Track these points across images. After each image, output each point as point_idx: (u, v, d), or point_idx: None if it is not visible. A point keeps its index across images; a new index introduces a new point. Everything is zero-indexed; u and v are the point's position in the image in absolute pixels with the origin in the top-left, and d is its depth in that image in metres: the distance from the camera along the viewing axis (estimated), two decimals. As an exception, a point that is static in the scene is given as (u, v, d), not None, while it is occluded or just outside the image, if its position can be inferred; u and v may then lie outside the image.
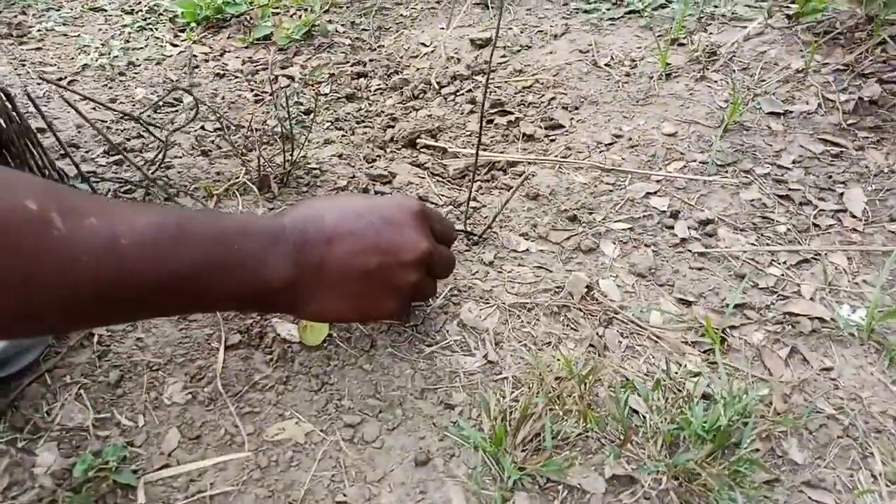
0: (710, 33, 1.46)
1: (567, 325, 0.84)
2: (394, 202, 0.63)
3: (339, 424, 0.72)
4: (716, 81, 1.31)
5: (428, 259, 0.63)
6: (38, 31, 1.69)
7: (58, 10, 1.80)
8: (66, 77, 1.47)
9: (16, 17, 1.73)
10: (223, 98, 1.39)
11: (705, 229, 0.99)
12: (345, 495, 0.65)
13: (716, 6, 1.55)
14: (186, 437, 0.69)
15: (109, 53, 1.58)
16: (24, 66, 1.52)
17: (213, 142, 1.19)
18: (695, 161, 1.11)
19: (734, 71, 1.33)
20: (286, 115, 0.97)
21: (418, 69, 1.51)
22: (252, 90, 1.44)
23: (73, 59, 1.57)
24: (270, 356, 0.78)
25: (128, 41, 1.65)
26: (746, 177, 1.08)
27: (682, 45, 1.45)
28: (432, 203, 1.06)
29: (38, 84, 1.44)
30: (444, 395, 0.76)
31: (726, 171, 1.09)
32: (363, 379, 0.76)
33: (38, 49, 1.61)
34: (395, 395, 0.75)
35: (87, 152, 1.14)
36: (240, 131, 1.20)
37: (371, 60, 1.56)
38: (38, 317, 0.44)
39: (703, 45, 1.39)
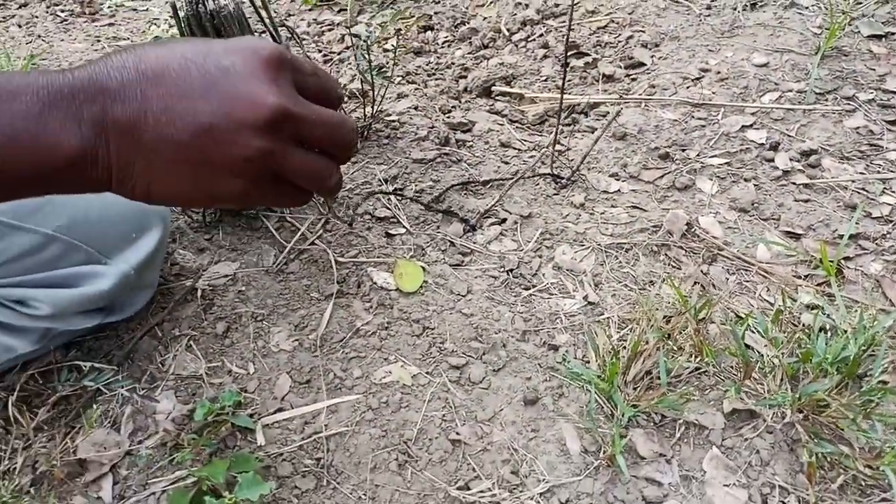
0: (797, -42, 1.37)
1: (668, 264, 0.81)
2: (239, 45, 0.44)
3: (444, 367, 0.71)
4: (807, 7, 1.23)
5: (282, 119, 0.43)
6: (109, 7, 1.72)
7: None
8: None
9: (87, -5, 1.77)
10: (293, 60, 1.39)
11: (808, 160, 0.93)
12: (458, 434, 0.65)
13: (801, -71, 1.45)
14: (297, 382, 0.70)
15: (179, 24, 1.60)
16: (98, 41, 1.55)
17: (289, 101, 1.19)
18: (791, 91, 1.05)
19: (826, -5, 1.24)
20: (367, 67, 0.95)
21: (485, 18, 1.47)
22: (320, 51, 1.44)
23: (144, 32, 1.60)
24: (369, 304, 0.78)
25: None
26: (849, 104, 1.02)
27: (766, -28, 1.36)
28: (514, 149, 1.03)
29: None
30: (546, 336, 0.74)
31: (826, 100, 1.03)
32: (463, 323, 0.76)
33: (111, 25, 1.64)
34: (496, 337, 0.74)
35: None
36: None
37: (436, 13, 1.53)
38: None
39: (790, -29, 1.30)
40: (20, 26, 1.60)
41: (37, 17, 1.65)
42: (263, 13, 0.85)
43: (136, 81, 0.41)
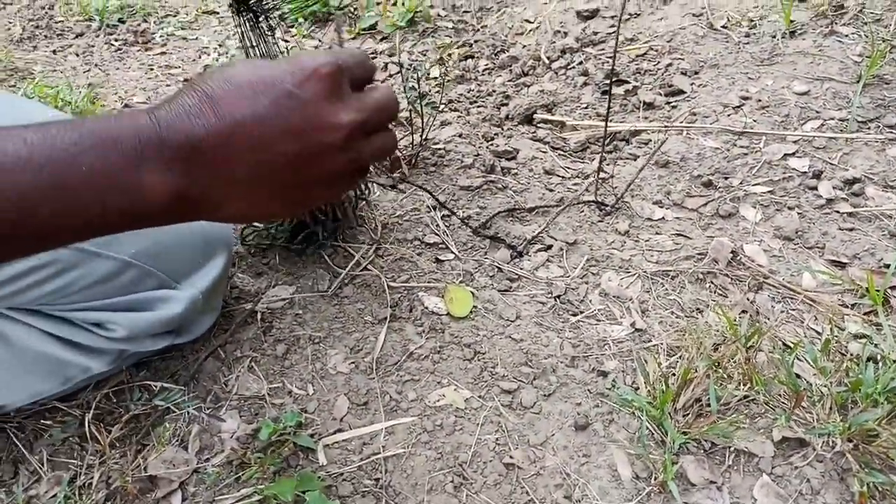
0: (836, -15, 1.38)
1: (715, 292, 0.83)
2: (296, 67, 0.46)
3: (496, 391, 0.73)
4: (847, 35, 1.24)
5: (357, 131, 0.48)
6: (161, 36, 1.79)
7: (175, 16, 1.91)
8: (191, 78, 1.56)
9: (139, 25, 1.84)
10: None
11: (852, 188, 0.94)
12: (511, 457, 0.67)
13: (839, -43, 1.46)
14: (355, 404, 0.73)
15: (227, 53, 1.66)
16: (151, 69, 1.62)
17: (337, 129, 1.23)
18: (833, 119, 1.06)
19: (866, 23, 1.25)
20: (415, 97, 0.99)
21: (525, 46, 1.51)
22: (364, 78, 1.48)
23: (194, 60, 1.66)
24: (421, 328, 0.81)
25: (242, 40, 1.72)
26: (892, 132, 1.02)
27: (804, 0, 1.38)
28: (558, 176, 1.06)
29: (168, 86, 1.54)
30: (595, 362, 0.76)
31: (868, 128, 1.04)
32: (513, 348, 0.78)
33: (163, 53, 1.71)
34: (546, 362, 0.76)
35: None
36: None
37: (476, 41, 1.56)
38: None
39: (829, -1, 1.31)
40: (78, 55, 1.68)
41: (93, 46, 1.73)
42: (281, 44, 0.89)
43: (217, 123, 0.44)
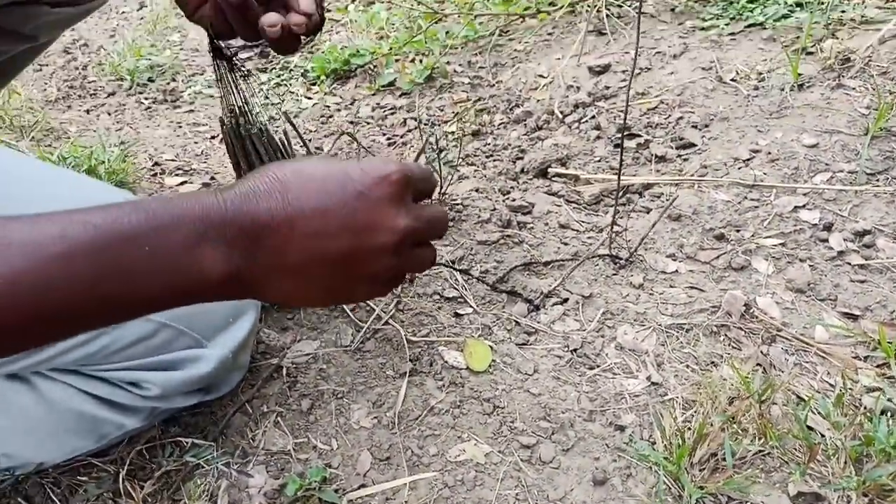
0: (841, 39, 1.42)
1: (729, 345, 0.85)
2: (369, 169, 0.49)
3: (515, 445, 0.75)
4: (854, 88, 1.27)
5: (410, 237, 0.50)
6: (188, 95, 1.87)
7: (202, 75, 1.99)
8: (217, 136, 1.62)
9: (168, 84, 1.92)
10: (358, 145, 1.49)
11: (863, 241, 0.96)
12: (531, 513, 0.68)
13: (843, 11, 1.50)
14: (377, 459, 0.75)
15: (252, 111, 1.72)
16: (180, 126, 1.69)
17: (358, 184, 1.28)
18: (842, 171, 1.08)
19: (873, 76, 1.28)
20: (435, 156, 1.03)
21: (539, 100, 1.56)
22: (384, 134, 1.54)
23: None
24: (441, 382, 0.83)
25: (267, 97, 1.79)
26: (901, 184, 1.04)
27: (811, 53, 1.41)
28: (573, 230, 1.09)
29: (195, 143, 1.60)
30: (612, 416, 0.78)
31: (878, 180, 1.06)
32: (531, 402, 0.80)
33: (191, 111, 1.78)
34: (564, 417, 0.78)
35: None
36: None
37: (492, 96, 1.62)
38: None
39: (834, 52, 1.35)
40: (110, 114, 1.76)
41: (124, 105, 1.81)
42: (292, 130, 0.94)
43: (282, 210, 0.46)
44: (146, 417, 0.74)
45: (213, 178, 1.38)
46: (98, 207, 0.44)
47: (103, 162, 1.36)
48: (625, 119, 0.95)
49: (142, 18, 2.53)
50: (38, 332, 0.44)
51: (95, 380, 0.71)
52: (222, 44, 0.83)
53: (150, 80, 1.92)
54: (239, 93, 0.88)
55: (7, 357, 0.56)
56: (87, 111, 1.77)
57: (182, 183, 1.33)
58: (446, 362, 0.86)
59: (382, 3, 2.21)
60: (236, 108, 0.89)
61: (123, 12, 2.65)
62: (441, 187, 1.10)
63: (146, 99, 1.84)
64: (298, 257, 0.47)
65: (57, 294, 0.42)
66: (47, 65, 2.07)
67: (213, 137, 1.62)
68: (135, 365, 0.71)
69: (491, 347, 0.87)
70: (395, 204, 0.49)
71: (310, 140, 1.51)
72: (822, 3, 1.55)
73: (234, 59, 0.85)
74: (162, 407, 0.74)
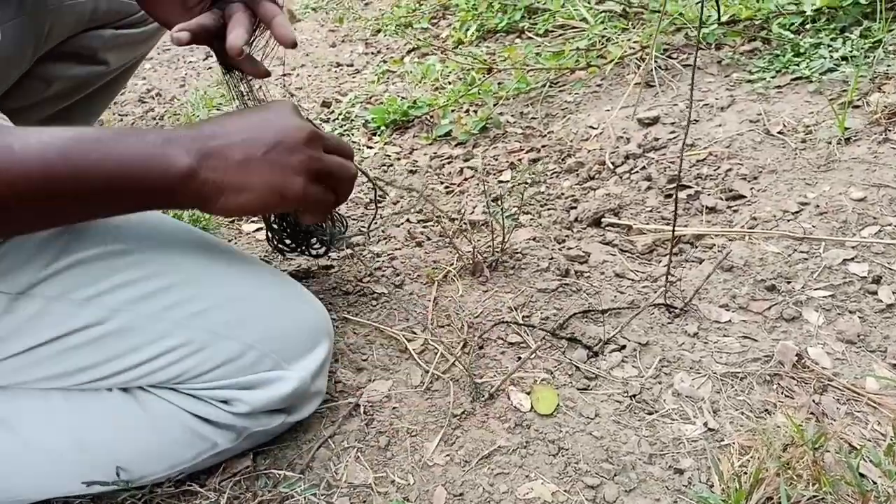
0: (887, 93, 1.46)
1: (782, 394, 0.89)
2: (283, 108, 0.78)
3: (580, 486, 0.81)
4: (900, 142, 1.31)
5: (316, 137, 0.77)
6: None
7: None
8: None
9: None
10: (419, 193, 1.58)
11: (912, 294, 1.00)
12: (597, 549, 0.73)
13: (889, 66, 1.55)
14: (452, 495, 0.81)
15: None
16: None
17: (421, 232, 1.36)
18: (890, 225, 1.12)
19: (919, 130, 1.32)
20: (498, 210, 1.11)
21: (590, 151, 1.63)
22: (442, 182, 1.62)
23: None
24: (508, 423, 0.90)
25: (229, 90, 1.91)
26: (950, 238, 1.08)
27: (857, 107, 1.46)
28: (628, 279, 1.15)
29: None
30: (671, 460, 0.83)
31: (926, 234, 1.10)
32: (594, 444, 0.85)
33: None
34: (626, 459, 0.83)
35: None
36: (441, 221, 1.37)
37: (544, 146, 1.70)
38: None
39: (881, 107, 1.39)
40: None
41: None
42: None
43: (222, 127, 0.73)
44: (235, 438, 0.82)
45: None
46: (95, 127, 0.77)
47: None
48: (679, 171, 1.02)
49: (209, 68, 2.71)
50: (54, 208, 0.66)
51: (190, 397, 0.80)
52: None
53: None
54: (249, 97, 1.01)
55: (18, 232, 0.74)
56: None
57: (258, 229, 1.43)
58: (512, 404, 0.92)
59: (436, 55, 2.33)
60: None
61: (190, 62, 2.83)
62: (503, 239, 1.18)
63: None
64: (234, 160, 0.70)
65: (75, 172, 0.64)
66: (127, 115, 2.23)
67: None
68: (224, 384, 0.80)
69: (555, 391, 0.93)
70: (301, 119, 0.78)
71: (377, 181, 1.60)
72: (868, 58, 1.59)
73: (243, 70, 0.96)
74: (250, 428, 0.82)
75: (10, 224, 0.67)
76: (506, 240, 1.19)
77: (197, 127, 0.72)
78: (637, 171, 1.48)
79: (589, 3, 2.21)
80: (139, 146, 0.67)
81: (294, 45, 0.86)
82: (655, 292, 1.09)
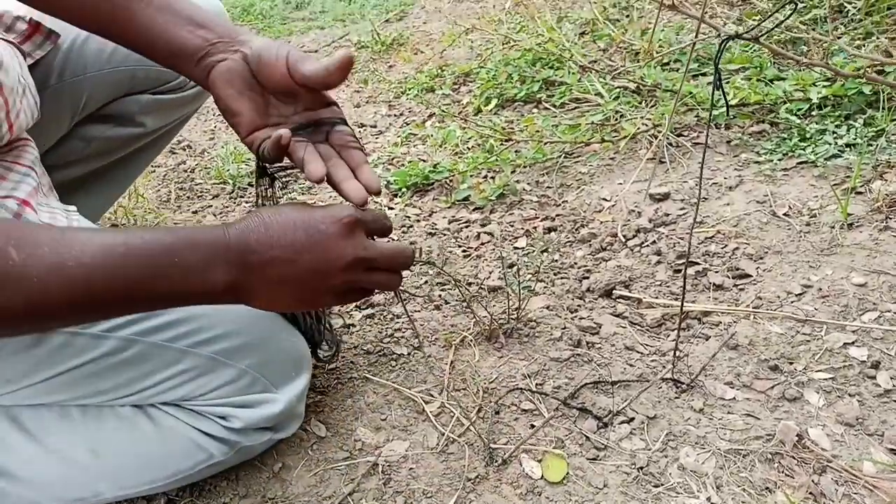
0: (889, 182, 1.53)
1: (782, 472, 0.93)
2: (328, 213, 0.75)
3: (588, 554, 0.85)
4: (900, 230, 1.37)
5: (356, 262, 0.77)
6: (286, 200, 2.08)
7: (296, 182, 2.21)
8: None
9: (266, 189, 2.15)
10: (437, 254, 1.65)
11: (909, 380, 1.04)
12: None
13: (891, 154, 1.62)
14: (465, 557, 0.85)
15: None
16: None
17: (439, 296, 1.42)
18: (889, 311, 1.17)
19: (919, 219, 1.39)
20: (514, 280, 1.17)
21: (602, 222, 1.70)
22: (459, 246, 1.69)
23: (311, 222, 1.92)
24: (519, 490, 0.94)
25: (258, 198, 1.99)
26: (946, 327, 1.13)
27: (860, 193, 1.53)
28: (637, 353, 1.20)
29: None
30: (675, 532, 0.87)
31: (924, 321, 1.15)
32: (602, 514, 0.89)
33: (285, 215, 1.98)
34: (632, 529, 0.87)
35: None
36: (459, 286, 1.43)
37: (558, 216, 1.77)
38: (8, 320, 0.62)
39: (882, 195, 1.46)
40: (215, 216, 1.97)
41: (227, 207, 2.03)
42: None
43: (266, 240, 0.72)
44: (228, 451, 0.92)
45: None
46: (142, 227, 0.73)
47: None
48: (689, 248, 1.08)
49: (238, 123, 2.82)
50: (93, 308, 0.67)
51: (192, 413, 0.91)
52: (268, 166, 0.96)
53: (251, 184, 2.15)
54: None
55: (64, 327, 0.79)
56: (195, 212, 2.00)
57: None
58: (524, 471, 0.96)
59: (455, 120, 2.44)
60: None
61: (218, 114, 2.96)
62: (518, 308, 1.24)
63: (247, 203, 2.06)
64: (276, 273, 0.73)
65: (114, 282, 0.65)
66: (159, 166, 2.33)
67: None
68: (223, 402, 0.91)
69: (564, 459, 0.97)
70: (346, 237, 0.75)
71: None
72: (871, 146, 1.67)
73: (276, 178, 0.99)
74: (241, 442, 0.92)
75: (54, 326, 0.75)
76: (522, 308, 1.25)
77: (242, 235, 0.72)
78: (647, 245, 1.55)
79: (604, 78, 2.32)
80: (182, 274, 0.69)
81: (378, 193, 0.85)
82: (663, 367, 1.14)
